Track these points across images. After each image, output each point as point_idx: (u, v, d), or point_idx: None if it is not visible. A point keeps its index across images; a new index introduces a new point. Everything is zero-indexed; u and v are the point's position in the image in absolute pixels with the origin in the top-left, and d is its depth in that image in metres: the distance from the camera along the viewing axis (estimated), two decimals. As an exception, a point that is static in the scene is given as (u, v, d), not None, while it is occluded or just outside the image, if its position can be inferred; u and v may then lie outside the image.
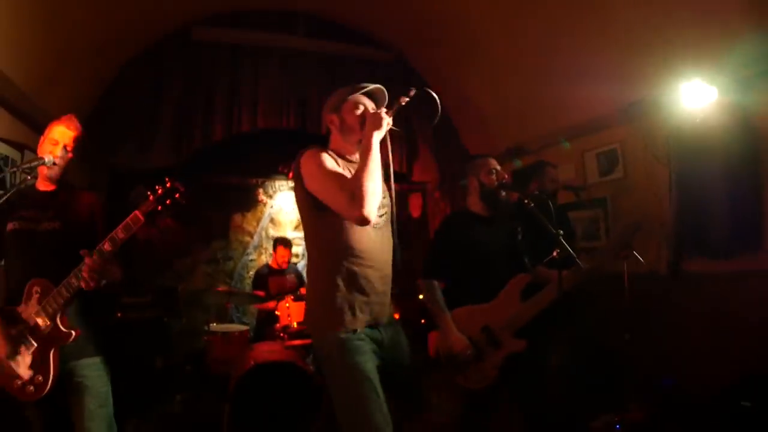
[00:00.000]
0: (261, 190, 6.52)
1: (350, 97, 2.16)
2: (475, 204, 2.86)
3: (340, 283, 1.95)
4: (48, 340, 2.15)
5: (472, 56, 4.99)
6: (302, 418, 3.77)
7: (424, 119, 5.55)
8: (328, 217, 1.94)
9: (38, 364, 2.15)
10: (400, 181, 5.94)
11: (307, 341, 4.40)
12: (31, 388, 2.14)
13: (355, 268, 1.97)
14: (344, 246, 1.97)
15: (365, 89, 2.18)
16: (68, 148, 2.39)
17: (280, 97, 5.08)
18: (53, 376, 2.13)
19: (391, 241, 2.12)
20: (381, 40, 5.55)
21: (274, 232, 6.40)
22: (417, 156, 5.64)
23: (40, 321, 2.14)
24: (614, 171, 4.17)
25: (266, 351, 4.06)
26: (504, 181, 2.78)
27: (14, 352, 2.13)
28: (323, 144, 2.14)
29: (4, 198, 2.22)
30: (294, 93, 5.12)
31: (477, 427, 2.75)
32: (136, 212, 2.07)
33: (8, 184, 3.10)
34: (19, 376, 2.12)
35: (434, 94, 2.13)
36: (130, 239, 2.11)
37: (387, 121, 2.01)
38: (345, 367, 1.89)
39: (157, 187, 2.12)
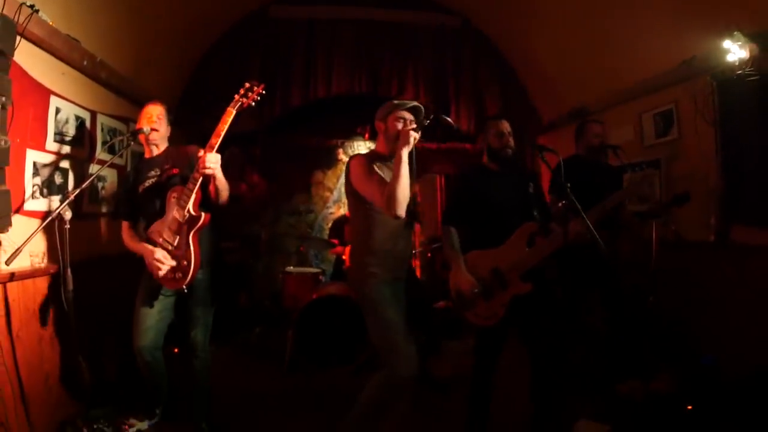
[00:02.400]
0: (341, 150, 7.05)
1: (395, 110, 2.74)
2: (487, 161, 3.13)
3: (375, 249, 2.70)
4: (187, 226, 2.87)
5: (535, 18, 5.06)
6: (354, 345, 4.38)
7: (492, 81, 5.73)
8: (368, 207, 2.68)
9: (183, 251, 2.88)
10: (469, 141, 6.20)
11: None
12: (180, 274, 2.89)
13: (384, 240, 2.71)
14: (378, 226, 2.70)
15: (406, 106, 2.74)
16: (159, 119, 3.11)
17: (352, 64, 5.48)
18: (195, 259, 2.87)
19: (410, 222, 2.79)
20: (448, 5, 5.72)
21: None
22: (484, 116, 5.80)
23: (177, 215, 2.86)
24: (669, 132, 4.08)
25: (329, 289, 4.62)
26: (508, 144, 3.01)
27: (183, 249, 2.90)
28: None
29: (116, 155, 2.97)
30: (365, 60, 5.50)
31: (487, 363, 3.05)
32: (228, 108, 2.82)
33: (116, 149, 3.85)
34: (172, 270, 2.89)
35: (449, 120, 2.83)
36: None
37: (414, 137, 2.52)
38: (376, 303, 2.67)
39: (240, 89, 2.85)
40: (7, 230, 2.28)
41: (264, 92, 2.90)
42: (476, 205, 3.02)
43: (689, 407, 3.08)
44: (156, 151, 3.15)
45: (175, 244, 2.89)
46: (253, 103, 2.90)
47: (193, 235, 2.87)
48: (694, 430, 2.96)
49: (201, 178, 2.78)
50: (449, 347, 4.88)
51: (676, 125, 4.02)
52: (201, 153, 2.74)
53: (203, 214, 2.86)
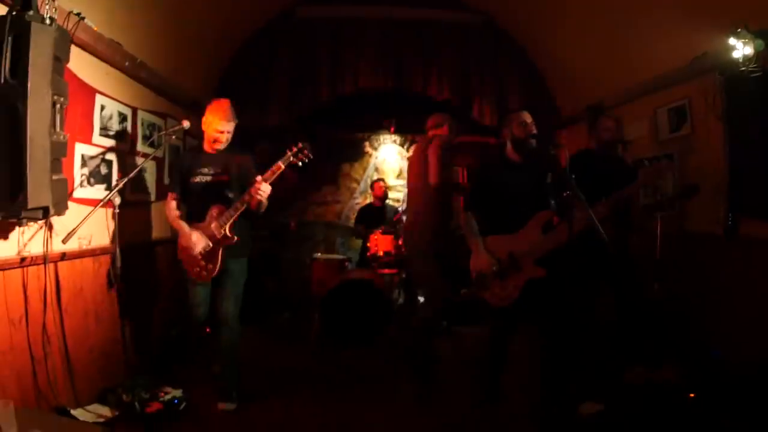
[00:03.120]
0: (367, 143, 7.31)
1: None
2: (510, 152, 3.31)
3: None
4: (219, 242, 3.30)
5: (555, 16, 5.15)
6: (376, 326, 4.70)
7: (514, 76, 5.88)
8: None
9: (210, 257, 3.31)
10: (491, 135, 6.34)
11: (393, 270, 5.35)
12: (204, 273, 3.33)
13: None
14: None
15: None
16: (229, 134, 3.49)
17: (377, 61, 5.69)
18: (219, 266, 3.32)
19: None
20: (470, 3, 5.85)
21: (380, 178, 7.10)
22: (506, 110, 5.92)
23: (215, 230, 3.27)
24: (683, 127, 4.12)
25: (354, 273, 4.95)
26: (532, 132, 3.20)
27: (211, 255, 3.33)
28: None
29: (156, 152, 3.59)
30: (390, 58, 5.70)
31: (500, 342, 3.31)
32: (279, 163, 3.26)
33: (155, 144, 4.19)
34: (199, 265, 3.32)
35: None
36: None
37: None
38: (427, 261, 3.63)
39: (292, 146, 3.29)
40: (64, 213, 2.55)
41: (311, 156, 3.37)
42: (494, 193, 3.24)
43: (691, 395, 3.14)
44: (212, 151, 3.48)
45: (208, 250, 3.31)
46: (300, 164, 3.35)
47: (222, 249, 3.30)
48: (694, 417, 3.00)
49: (244, 207, 3.27)
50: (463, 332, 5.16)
51: (689, 120, 4.06)
52: (259, 179, 3.20)
53: (236, 237, 3.30)
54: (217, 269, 3.32)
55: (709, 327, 3.76)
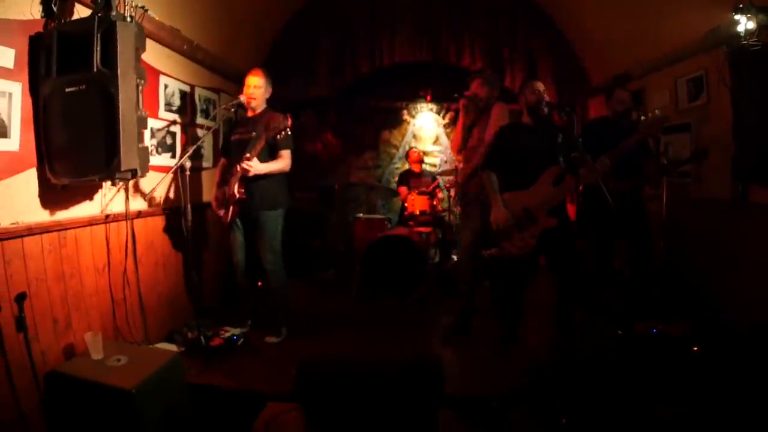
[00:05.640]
0: (405, 111, 7.67)
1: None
2: (524, 116, 3.72)
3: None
4: (230, 199, 3.76)
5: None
6: (412, 279, 5.08)
7: (544, 46, 6.09)
8: None
9: (226, 209, 3.85)
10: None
11: (428, 228, 5.80)
12: (224, 216, 3.87)
13: None
14: None
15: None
16: (257, 88, 3.89)
17: (413, 34, 5.98)
18: (230, 217, 3.85)
19: None
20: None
21: (415, 145, 7.57)
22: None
23: (232, 187, 3.73)
24: (699, 97, 4.26)
25: (394, 230, 5.35)
26: (543, 99, 3.58)
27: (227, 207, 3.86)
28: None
29: (217, 125, 4.28)
30: (425, 30, 5.98)
31: (519, 286, 3.78)
32: (263, 136, 3.67)
33: (209, 116, 4.66)
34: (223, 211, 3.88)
35: None
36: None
37: None
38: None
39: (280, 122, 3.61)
40: (146, 175, 2.97)
41: (291, 130, 3.65)
42: (511, 153, 3.63)
43: (695, 348, 3.33)
44: (251, 114, 3.98)
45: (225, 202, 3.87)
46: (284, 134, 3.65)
47: (234, 205, 3.78)
48: (695, 369, 3.15)
49: (241, 173, 3.69)
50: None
51: (705, 91, 4.20)
52: (247, 156, 3.62)
53: (243, 195, 3.74)
54: (228, 219, 3.84)
55: (717, 289, 3.95)
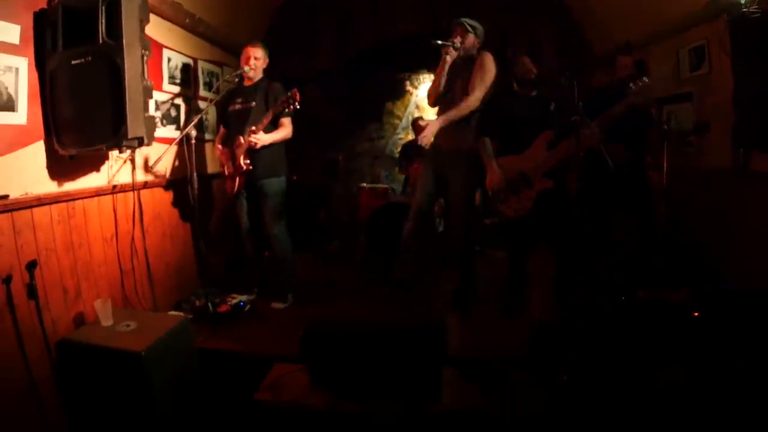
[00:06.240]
0: (408, 83, 7.68)
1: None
2: (516, 87, 3.88)
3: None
4: (236, 170, 3.92)
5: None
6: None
7: (548, 19, 6.05)
8: None
9: (233, 180, 4.00)
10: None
11: None
12: (231, 187, 4.02)
13: None
14: None
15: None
16: (256, 59, 3.98)
17: (414, 8, 5.94)
18: (237, 187, 3.99)
19: None
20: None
21: (419, 116, 7.43)
22: (540, 51, 6.01)
23: (243, 162, 3.86)
24: (701, 67, 4.24)
25: (397, 198, 5.47)
26: (529, 72, 3.76)
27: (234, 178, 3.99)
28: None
29: (220, 97, 4.23)
30: (425, 4, 5.93)
31: (521, 249, 3.89)
32: (271, 110, 3.80)
33: (213, 88, 4.71)
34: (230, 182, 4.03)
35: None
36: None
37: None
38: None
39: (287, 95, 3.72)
40: (152, 144, 2.99)
41: (300, 103, 3.72)
42: (505, 120, 3.75)
43: (695, 314, 3.22)
44: (249, 83, 4.06)
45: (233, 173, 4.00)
46: (294, 109, 3.77)
47: (240, 176, 3.93)
48: (694, 333, 3.08)
49: (246, 145, 3.81)
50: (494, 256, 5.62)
51: (707, 60, 4.19)
52: (252, 129, 3.75)
53: (250, 167, 3.87)
54: (235, 189, 4.00)
55: (718, 258, 3.97)
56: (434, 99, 3.94)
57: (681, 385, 2.55)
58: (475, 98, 3.64)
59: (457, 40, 3.75)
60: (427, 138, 3.55)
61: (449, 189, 3.93)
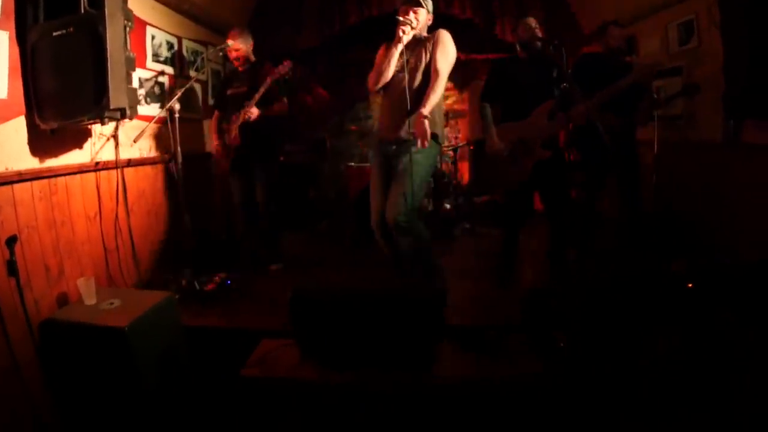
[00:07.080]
0: (395, 61, 7.54)
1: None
2: (519, 51, 3.78)
3: None
4: (231, 147, 4.16)
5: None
6: None
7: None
8: None
9: (225, 157, 4.25)
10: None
11: None
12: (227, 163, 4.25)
13: None
14: None
15: None
16: (238, 50, 4.18)
17: (402, -18, 5.88)
18: (232, 161, 4.22)
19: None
20: None
21: (407, 95, 7.49)
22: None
23: (233, 136, 4.09)
24: (690, 41, 4.26)
25: None
26: (536, 35, 3.63)
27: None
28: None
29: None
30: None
31: (515, 218, 3.88)
32: (267, 78, 3.94)
33: (198, 67, 4.68)
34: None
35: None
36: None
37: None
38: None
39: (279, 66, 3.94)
40: (134, 118, 2.92)
41: (290, 73, 4.02)
42: (507, 86, 3.71)
43: (689, 285, 3.21)
44: (242, 68, 4.29)
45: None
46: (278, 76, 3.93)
47: (234, 152, 4.18)
48: (687, 304, 3.08)
49: (240, 120, 4.02)
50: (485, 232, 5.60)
51: (696, 34, 4.20)
52: (247, 104, 3.96)
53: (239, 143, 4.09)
54: (228, 166, 4.26)
55: (711, 231, 3.98)
56: (379, 82, 3.38)
57: (678, 351, 2.59)
58: (443, 79, 3.16)
59: (413, 17, 3.21)
60: (427, 137, 2.97)
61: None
